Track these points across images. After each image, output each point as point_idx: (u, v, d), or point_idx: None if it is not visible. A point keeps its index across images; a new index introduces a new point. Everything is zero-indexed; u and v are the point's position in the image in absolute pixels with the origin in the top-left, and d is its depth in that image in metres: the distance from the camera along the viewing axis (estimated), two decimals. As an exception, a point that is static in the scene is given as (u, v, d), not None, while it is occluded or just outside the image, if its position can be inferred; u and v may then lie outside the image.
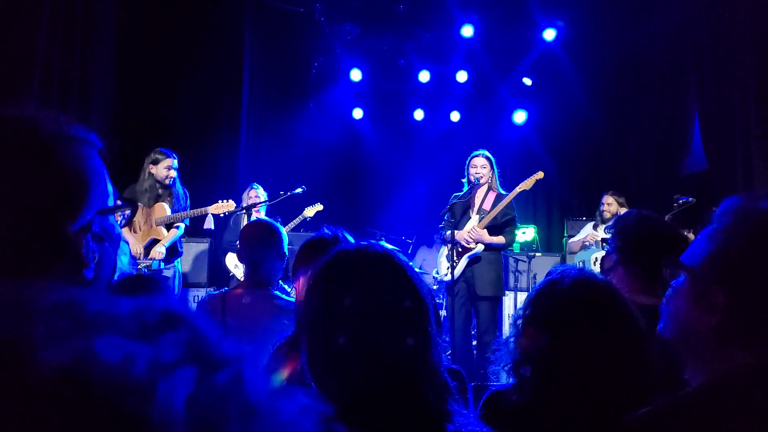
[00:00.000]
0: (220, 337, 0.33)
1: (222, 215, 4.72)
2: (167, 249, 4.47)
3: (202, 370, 0.29)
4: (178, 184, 4.64)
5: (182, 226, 4.64)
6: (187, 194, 4.76)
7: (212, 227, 4.85)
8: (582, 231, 5.68)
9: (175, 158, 4.57)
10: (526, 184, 4.60)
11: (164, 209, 4.51)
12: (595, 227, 5.53)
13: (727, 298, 0.90)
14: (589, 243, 5.37)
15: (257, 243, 2.38)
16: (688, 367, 1.02)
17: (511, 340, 1.33)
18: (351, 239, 1.83)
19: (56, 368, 0.26)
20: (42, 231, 0.72)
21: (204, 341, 0.32)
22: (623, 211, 5.28)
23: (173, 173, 4.55)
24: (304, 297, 0.95)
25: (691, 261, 0.99)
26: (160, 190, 4.54)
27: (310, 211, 5.52)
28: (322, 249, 1.77)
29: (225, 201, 4.65)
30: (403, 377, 0.87)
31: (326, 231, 1.86)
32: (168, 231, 4.54)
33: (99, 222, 0.79)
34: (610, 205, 5.36)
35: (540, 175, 4.66)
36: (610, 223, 5.19)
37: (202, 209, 4.59)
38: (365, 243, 0.98)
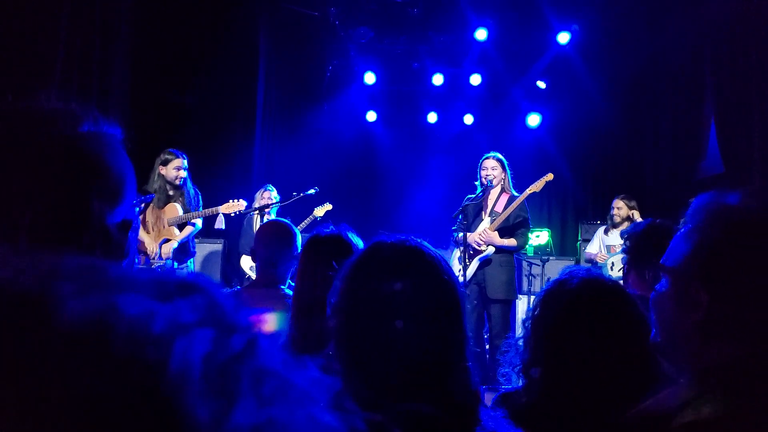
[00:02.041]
0: (237, 306, 0.35)
1: (233, 215, 4.75)
2: (180, 247, 4.51)
3: (219, 333, 0.31)
4: (189, 184, 4.66)
5: (198, 222, 4.67)
6: (199, 194, 4.77)
7: (223, 227, 4.88)
8: (594, 236, 5.65)
9: (184, 158, 4.58)
10: (536, 186, 4.59)
11: (176, 209, 4.53)
12: (606, 232, 5.50)
13: (708, 294, 0.92)
14: (601, 261, 5.32)
15: (274, 242, 2.40)
16: (678, 368, 1.03)
17: (521, 341, 1.34)
18: (356, 238, 1.84)
19: (80, 320, 0.28)
20: (85, 226, 0.74)
21: (221, 308, 0.33)
22: (634, 213, 5.24)
23: (183, 173, 4.56)
24: (340, 286, 0.96)
25: (671, 262, 1.01)
26: (170, 191, 4.55)
27: (320, 211, 5.55)
28: (326, 246, 1.79)
29: (236, 201, 4.66)
30: (434, 374, 0.87)
31: (331, 228, 1.87)
32: (180, 231, 4.57)
33: (134, 214, 0.82)
34: (620, 209, 5.32)
35: (549, 177, 4.65)
36: (622, 227, 5.20)
37: (214, 209, 4.62)
38: (402, 237, 0.99)
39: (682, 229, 1.02)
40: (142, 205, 4.29)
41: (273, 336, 0.34)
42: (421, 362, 0.87)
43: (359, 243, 1.83)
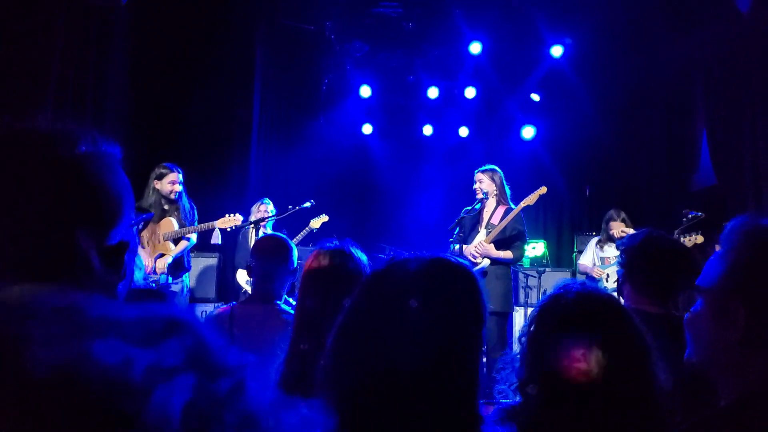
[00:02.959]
0: (225, 346, 0.33)
1: (229, 230, 4.72)
2: (175, 262, 4.48)
3: (203, 378, 0.30)
4: (184, 198, 4.63)
5: (193, 237, 4.64)
6: (194, 208, 4.74)
7: (219, 242, 4.84)
8: (587, 247, 5.63)
9: (179, 172, 4.55)
10: (530, 200, 4.59)
11: (171, 224, 4.50)
12: (599, 244, 5.47)
13: (746, 311, 0.93)
14: (598, 276, 5.30)
15: (270, 257, 2.38)
16: (719, 386, 1.03)
17: (517, 358, 1.33)
18: (360, 252, 1.83)
19: (51, 368, 0.26)
20: (82, 248, 0.73)
21: (207, 350, 0.32)
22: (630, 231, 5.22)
23: (178, 187, 4.52)
24: (354, 301, 0.94)
25: (707, 283, 1.03)
26: (165, 206, 4.52)
27: (316, 223, 5.54)
28: (331, 260, 1.78)
29: (232, 215, 4.63)
30: (443, 372, 0.86)
31: (335, 242, 1.86)
32: (176, 245, 4.55)
33: (131, 235, 0.81)
34: (623, 232, 5.22)
35: (543, 190, 4.65)
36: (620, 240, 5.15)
37: (209, 224, 4.58)
38: (419, 254, 0.98)
39: (718, 252, 1.04)
40: (141, 224, 4.26)
41: (263, 375, 0.33)
42: (432, 354, 0.85)
43: (363, 257, 1.82)
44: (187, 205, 4.66)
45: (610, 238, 5.32)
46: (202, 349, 0.32)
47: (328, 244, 1.83)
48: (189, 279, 4.92)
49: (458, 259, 0.99)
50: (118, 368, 0.28)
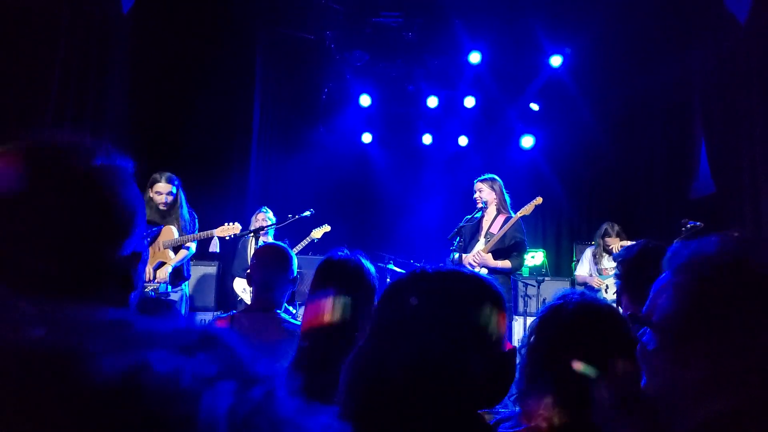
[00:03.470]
0: (254, 357, 0.36)
1: (228, 238, 4.72)
2: (175, 271, 4.48)
3: (240, 385, 0.32)
4: (185, 208, 4.62)
5: (192, 246, 4.64)
6: (195, 217, 4.74)
7: (217, 250, 4.84)
8: (583, 258, 5.63)
9: (173, 183, 4.52)
10: (526, 210, 4.61)
11: (172, 232, 4.50)
12: (595, 257, 5.46)
13: (704, 352, 0.90)
14: (597, 287, 5.31)
15: (270, 266, 2.39)
16: (675, 421, 0.99)
17: (517, 368, 1.33)
18: (369, 263, 1.88)
19: (112, 378, 0.29)
20: (97, 258, 0.74)
21: (240, 360, 0.35)
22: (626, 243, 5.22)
23: (162, 198, 4.47)
24: (377, 307, 0.96)
25: (656, 316, 0.98)
26: (161, 214, 4.52)
27: (317, 233, 5.54)
28: (342, 270, 1.82)
29: (231, 224, 4.62)
30: (442, 376, 0.86)
31: (346, 252, 1.90)
32: (175, 254, 4.55)
33: (143, 246, 0.82)
34: (621, 245, 5.22)
35: (539, 200, 4.66)
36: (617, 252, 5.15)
37: (208, 232, 4.58)
38: (443, 265, 0.99)
39: (662, 280, 0.99)
40: (149, 239, 4.26)
41: (287, 384, 0.35)
42: (433, 356, 0.86)
43: (371, 268, 1.87)
44: (187, 215, 4.65)
45: (607, 251, 5.33)
46: (236, 360, 0.35)
47: (339, 253, 1.88)
48: (188, 287, 4.92)
49: (476, 271, 1.01)
50: (171, 376, 0.30)
